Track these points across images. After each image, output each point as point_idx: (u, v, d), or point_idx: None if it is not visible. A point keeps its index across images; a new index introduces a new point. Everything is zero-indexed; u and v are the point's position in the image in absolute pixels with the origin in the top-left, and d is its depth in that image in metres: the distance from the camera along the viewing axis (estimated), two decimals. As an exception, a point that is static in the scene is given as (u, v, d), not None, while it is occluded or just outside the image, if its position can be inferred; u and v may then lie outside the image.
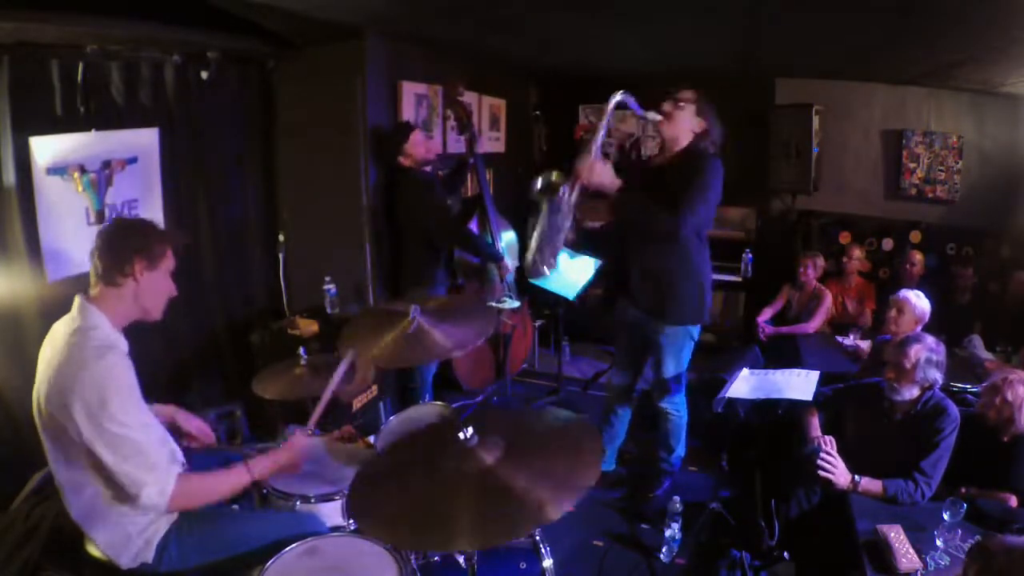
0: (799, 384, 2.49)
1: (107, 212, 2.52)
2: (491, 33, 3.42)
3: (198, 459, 1.77)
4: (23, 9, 2.02)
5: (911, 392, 2.24)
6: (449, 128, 4.01)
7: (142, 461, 1.41)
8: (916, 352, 2.20)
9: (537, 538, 1.83)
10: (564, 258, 3.66)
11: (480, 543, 1.16)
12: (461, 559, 1.63)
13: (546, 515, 1.15)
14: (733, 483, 2.95)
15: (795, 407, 2.56)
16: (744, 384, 2.60)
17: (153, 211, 2.78)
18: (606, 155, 2.45)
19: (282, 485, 1.86)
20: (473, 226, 3.63)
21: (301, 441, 1.74)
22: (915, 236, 4.46)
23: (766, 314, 4.08)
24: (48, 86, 2.33)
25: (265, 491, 1.86)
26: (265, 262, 3.52)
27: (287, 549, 1.54)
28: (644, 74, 4.19)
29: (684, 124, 2.50)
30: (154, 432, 1.51)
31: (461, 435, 1.30)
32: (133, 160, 2.66)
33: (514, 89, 4.99)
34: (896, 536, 1.86)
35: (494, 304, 3.41)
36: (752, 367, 2.90)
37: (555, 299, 3.77)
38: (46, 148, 2.30)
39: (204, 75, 2.95)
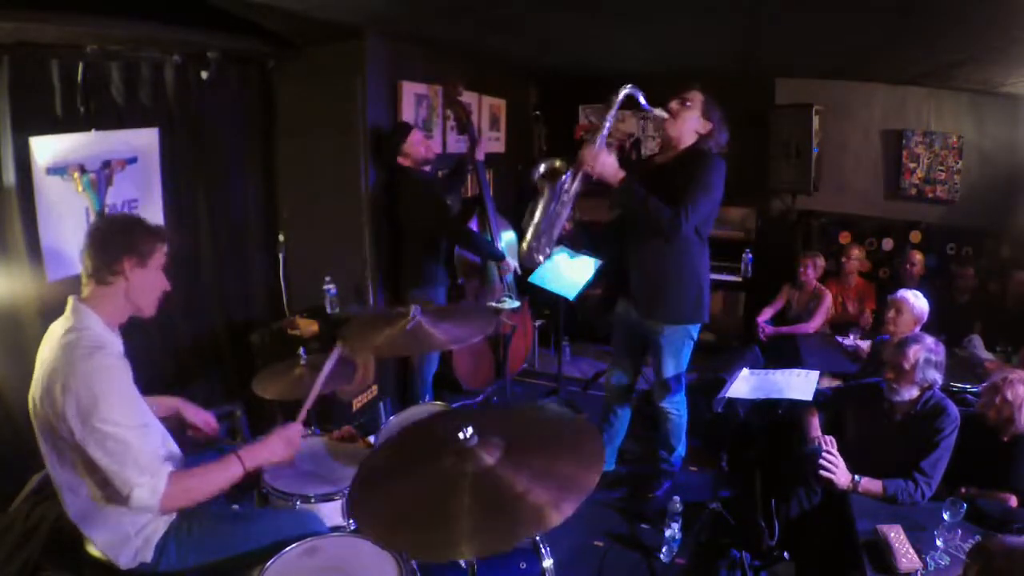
0: (799, 384, 2.49)
1: (107, 212, 2.52)
2: (491, 33, 3.42)
3: (192, 456, 1.76)
4: (23, 9, 2.02)
5: (911, 392, 2.24)
6: (449, 128, 4.02)
7: (133, 461, 1.40)
8: (915, 353, 2.20)
9: (537, 538, 1.83)
10: (564, 258, 3.66)
11: (482, 550, 1.13)
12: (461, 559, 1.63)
13: (548, 520, 1.14)
14: (733, 483, 2.95)
15: (795, 407, 2.56)
16: (744, 384, 2.60)
17: (153, 211, 2.78)
18: (608, 149, 2.44)
19: (282, 485, 1.86)
20: (473, 226, 3.63)
21: (293, 429, 1.72)
22: (915, 236, 4.46)
23: (766, 314, 4.08)
24: (48, 86, 2.33)
25: (265, 491, 1.86)
26: (265, 262, 3.52)
27: (287, 549, 1.54)
28: (644, 74, 4.18)
29: (689, 124, 2.50)
30: (148, 432, 1.49)
31: (461, 435, 1.30)
32: (133, 160, 2.66)
33: (514, 89, 4.99)
34: (896, 536, 1.86)
35: (494, 304, 3.41)
36: (752, 367, 2.90)
37: (555, 299, 3.78)
38: (46, 148, 2.30)
39: (204, 75, 2.95)
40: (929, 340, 2.27)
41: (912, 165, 4.50)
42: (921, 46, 3.20)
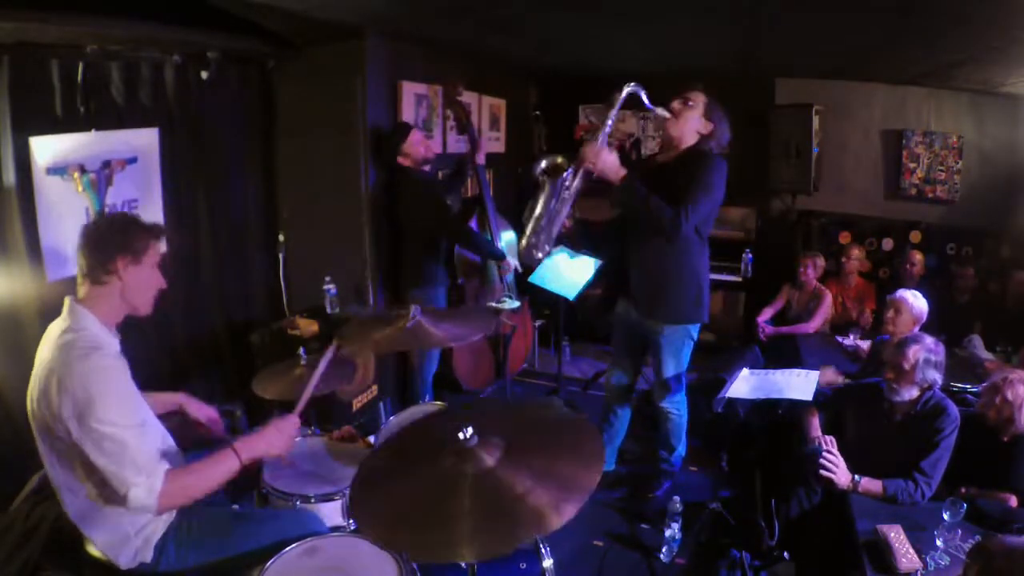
0: (799, 384, 2.48)
1: (107, 212, 2.52)
2: (491, 33, 3.42)
3: (193, 453, 1.76)
4: (23, 9, 2.02)
5: (910, 393, 2.24)
6: (449, 128, 4.02)
7: (130, 461, 1.40)
8: (915, 353, 2.20)
9: (537, 538, 1.83)
10: (564, 258, 3.66)
11: (483, 552, 1.13)
12: (461, 559, 1.63)
13: (549, 522, 1.14)
14: (733, 483, 2.96)
15: (795, 407, 2.56)
16: (744, 384, 2.60)
17: (153, 211, 2.79)
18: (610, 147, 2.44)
19: (282, 485, 1.86)
20: (472, 226, 3.63)
21: (289, 421, 1.70)
22: (915, 236, 4.46)
23: (766, 314, 4.08)
24: (48, 86, 2.33)
25: (265, 491, 1.86)
26: (265, 262, 3.52)
27: (287, 549, 1.54)
28: (644, 74, 4.18)
29: (691, 124, 2.50)
30: (145, 431, 1.49)
31: (461, 435, 1.30)
32: (133, 160, 2.66)
33: (514, 89, 4.99)
34: (896, 536, 1.86)
35: (494, 304, 3.41)
36: (752, 367, 2.89)
37: (555, 299, 3.78)
38: (46, 148, 2.30)
39: (204, 75, 2.95)
40: (929, 340, 2.27)
41: (912, 165, 4.50)
42: (921, 46, 3.20)
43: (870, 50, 3.44)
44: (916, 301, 2.88)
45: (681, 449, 2.94)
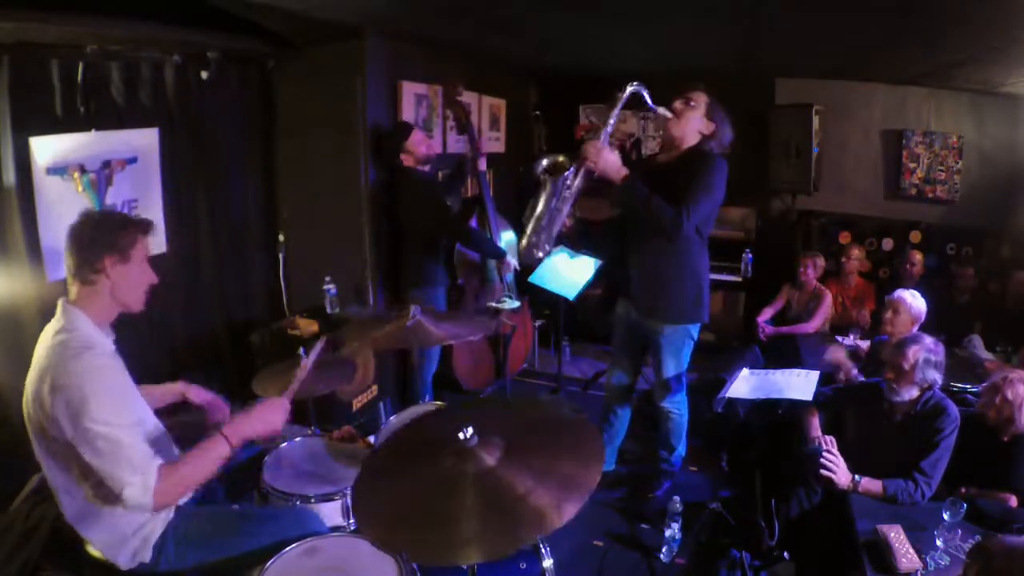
0: (799, 384, 2.49)
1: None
2: (491, 33, 3.42)
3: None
4: (23, 9, 2.02)
5: (910, 393, 2.24)
6: (449, 128, 4.02)
7: (124, 460, 1.39)
8: (914, 353, 2.20)
9: (537, 538, 1.83)
10: (564, 258, 3.67)
11: (487, 554, 1.13)
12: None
13: (550, 522, 1.14)
14: (733, 483, 2.95)
15: (795, 407, 2.56)
16: (744, 384, 2.60)
17: (153, 211, 2.79)
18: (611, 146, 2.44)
19: (282, 485, 1.86)
20: (472, 226, 3.63)
21: (278, 402, 1.69)
22: (915, 236, 4.46)
23: (766, 314, 4.08)
24: (48, 86, 2.33)
25: (265, 491, 1.86)
26: (265, 262, 3.52)
27: (287, 549, 1.54)
28: (644, 74, 4.18)
29: (692, 124, 2.50)
30: (140, 429, 1.48)
31: (461, 435, 1.30)
32: (133, 160, 2.67)
33: (514, 89, 4.99)
34: (896, 536, 1.86)
35: (494, 304, 3.41)
36: (752, 367, 2.90)
37: (555, 299, 3.78)
38: (46, 148, 2.30)
39: (204, 75, 2.95)
40: (928, 340, 2.27)
41: (912, 165, 4.50)
42: (921, 46, 3.20)
43: (870, 50, 3.44)
44: (914, 301, 2.88)
45: (681, 449, 2.94)
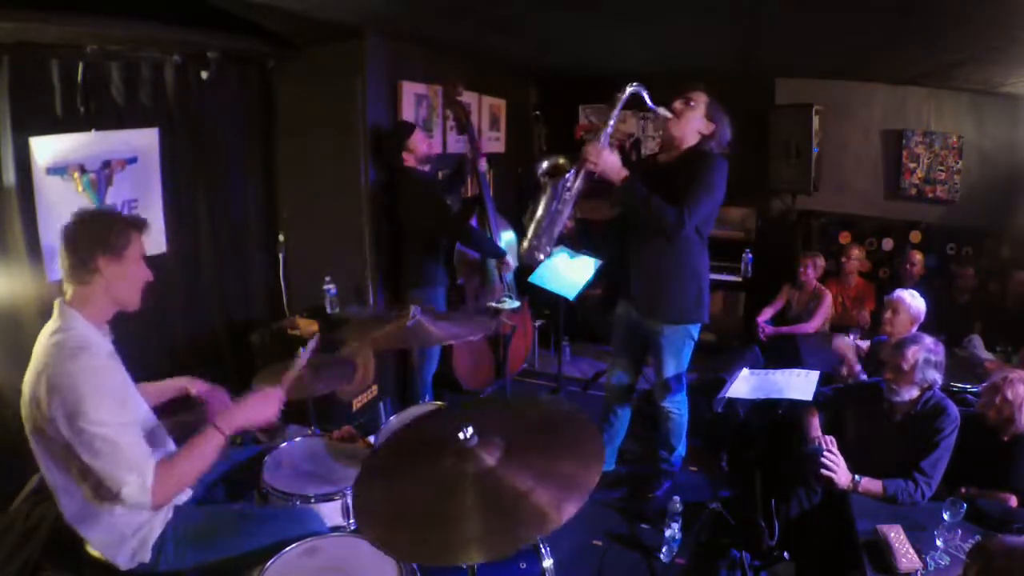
0: (799, 384, 2.49)
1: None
2: (491, 33, 3.42)
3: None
4: (23, 9, 2.03)
5: (910, 393, 2.24)
6: (449, 128, 4.02)
7: (121, 460, 1.39)
8: (914, 353, 2.20)
9: (537, 538, 1.83)
10: (564, 258, 3.67)
11: (487, 554, 1.13)
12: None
13: (551, 521, 1.14)
14: (733, 483, 2.95)
15: (795, 407, 2.56)
16: (744, 384, 2.60)
17: (153, 211, 2.79)
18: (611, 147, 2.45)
19: (282, 485, 1.86)
20: (472, 225, 3.63)
21: (271, 392, 1.68)
22: (915, 236, 4.46)
23: (766, 314, 4.08)
24: (48, 86, 2.33)
25: (265, 491, 1.86)
26: (265, 262, 3.52)
27: (287, 549, 1.54)
28: (644, 74, 4.18)
29: (692, 124, 2.50)
30: (135, 428, 1.48)
31: (461, 435, 1.30)
32: (133, 160, 2.67)
33: (514, 89, 4.99)
34: (896, 536, 1.86)
35: (494, 304, 3.41)
36: (752, 367, 2.90)
37: (555, 299, 3.78)
38: (46, 148, 2.30)
39: (204, 75, 2.96)
40: (928, 340, 2.27)
41: (912, 165, 4.50)
42: (921, 46, 3.20)
43: (870, 50, 3.44)
44: (914, 301, 2.88)
45: (681, 449, 2.94)
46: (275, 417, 1.67)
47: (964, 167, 4.39)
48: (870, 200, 4.67)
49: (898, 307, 2.89)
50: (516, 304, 3.49)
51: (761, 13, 2.76)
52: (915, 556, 1.79)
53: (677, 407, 2.82)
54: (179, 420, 1.88)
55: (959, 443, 2.18)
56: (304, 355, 1.84)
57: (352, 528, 1.81)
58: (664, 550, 2.50)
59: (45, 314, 1.53)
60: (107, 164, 2.55)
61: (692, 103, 2.49)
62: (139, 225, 1.60)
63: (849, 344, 3.07)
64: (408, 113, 3.54)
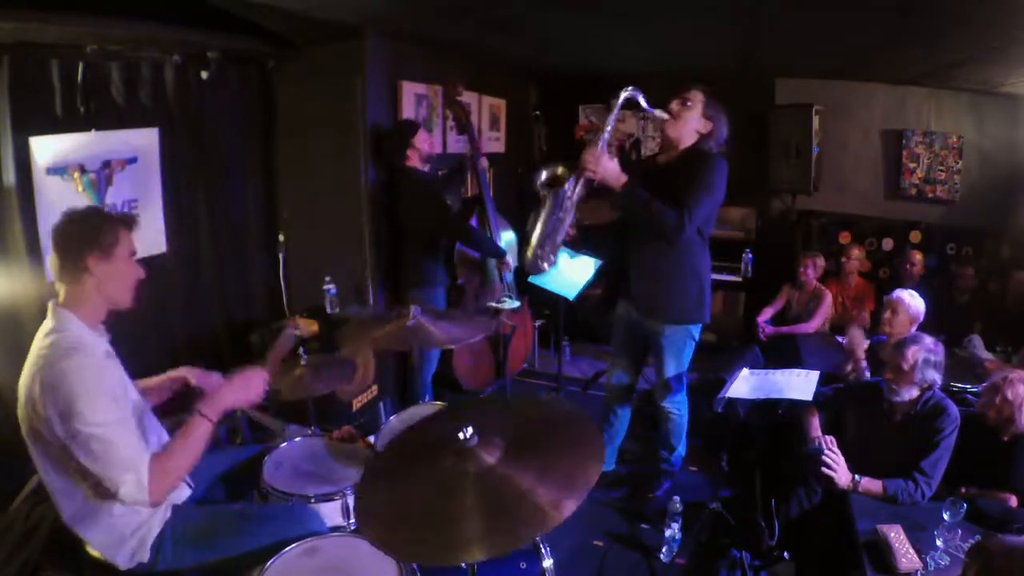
0: (799, 384, 2.49)
1: (112, 212, 2.53)
2: (491, 33, 3.42)
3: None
4: (23, 9, 2.02)
5: (910, 393, 2.24)
6: (449, 128, 4.02)
7: (117, 460, 1.39)
8: (914, 353, 2.20)
9: (537, 538, 1.83)
10: (564, 258, 3.66)
11: (488, 552, 1.13)
12: (461, 559, 1.63)
13: (552, 518, 1.14)
14: (733, 483, 2.95)
15: (795, 407, 2.56)
16: (744, 384, 2.60)
17: (153, 211, 2.79)
18: (609, 152, 2.45)
19: (282, 485, 1.86)
20: (472, 225, 3.63)
21: (254, 372, 1.68)
22: (915, 236, 4.46)
23: (766, 314, 4.08)
24: (48, 86, 2.33)
25: (265, 491, 1.86)
26: (265, 262, 3.52)
27: (287, 549, 1.54)
28: (644, 74, 4.18)
29: (690, 124, 2.49)
30: (131, 426, 1.47)
31: (461, 435, 1.30)
32: (133, 160, 2.67)
33: (514, 89, 4.99)
34: (896, 536, 1.86)
35: (494, 304, 3.41)
36: (752, 367, 2.90)
37: (555, 299, 3.78)
38: (46, 148, 2.30)
39: (204, 75, 2.95)
40: (928, 340, 2.27)
41: (912, 165, 4.50)
42: (921, 46, 3.20)
43: (870, 50, 3.44)
44: (913, 301, 2.88)
45: (681, 449, 2.94)
46: (260, 397, 1.67)
47: (964, 167, 4.39)
48: (870, 200, 4.67)
49: (897, 307, 2.89)
50: (516, 304, 3.49)
51: (761, 13, 2.76)
52: (915, 556, 1.79)
53: (677, 407, 2.82)
54: (178, 420, 1.88)
55: (959, 443, 2.18)
56: (289, 335, 1.82)
57: (352, 528, 1.81)
58: (664, 550, 2.51)
59: (45, 314, 1.53)
60: (107, 164, 2.54)
61: (689, 103, 2.48)
62: (128, 223, 1.59)
63: (861, 339, 3.05)
64: (408, 113, 3.54)
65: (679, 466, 2.99)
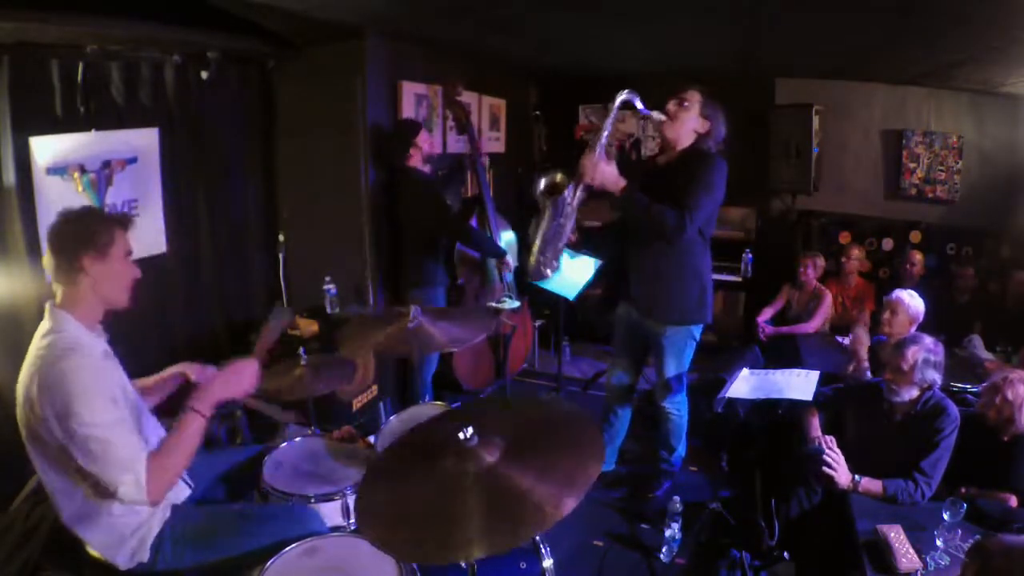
0: (799, 384, 2.49)
1: (107, 212, 2.52)
2: (491, 33, 3.42)
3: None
4: (23, 9, 2.02)
5: (910, 393, 2.24)
6: (449, 128, 4.02)
7: (115, 461, 1.39)
8: (913, 353, 2.20)
9: (537, 538, 1.83)
10: (564, 258, 3.65)
11: (488, 550, 1.13)
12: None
13: (552, 514, 1.15)
14: (733, 483, 2.95)
15: (795, 407, 2.56)
16: (744, 384, 2.60)
17: (153, 211, 2.79)
18: (608, 155, 2.45)
19: (282, 485, 1.86)
20: (472, 225, 3.63)
21: (245, 363, 1.68)
22: (915, 236, 4.46)
23: (766, 314, 4.08)
24: (48, 86, 2.33)
25: (265, 491, 1.86)
26: (265, 262, 3.52)
27: (287, 549, 1.54)
28: (644, 74, 4.18)
29: (688, 124, 2.49)
30: (127, 426, 1.46)
31: (461, 435, 1.30)
32: (133, 160, 2.66)
33: (514, 89, 4.99)
34: (896, 536, 1.86)
35: (494, 304, 3.41)
36: (752, 367, 2.90)
37: (555, 299, 3.78)
38: (46, 148, 2.30)
39: (204, 75, 2.95)
40: (928, 340, 2.27)
41: (912, 165, 4.50)
42: (921, 46, 3.20)
43: (870, 50, 3.44)
44: (912, 301, 2.88)
45: (681, 449, 2.94)
46: (252, 388, 1.66)
47: (964, 167, 4.39)
48: (870, 200, 4.67)
49: (896, 308, 2.89)
50: (516, 304, 3.49)
51: (761, 13, 2.76)
52: (915, 556, 1.79)
53: (677, 408, 2.82)
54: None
55: (959, 443, 2.18)
56: (272, 324, 1.81)
57: (352, 528, 1.81)
58: (664, 550, 2.51)
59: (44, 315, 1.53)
60: (107, 164, 2.54)
61: (686, 104, 2.48)
62: (123, 222, 1.58)
63: (866, 340, 3.05)
64: (408, 113, 3.54)
65: (679, 466, 2.99)
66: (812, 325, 3.89)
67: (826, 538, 2.14)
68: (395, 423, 2.24)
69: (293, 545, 1.55)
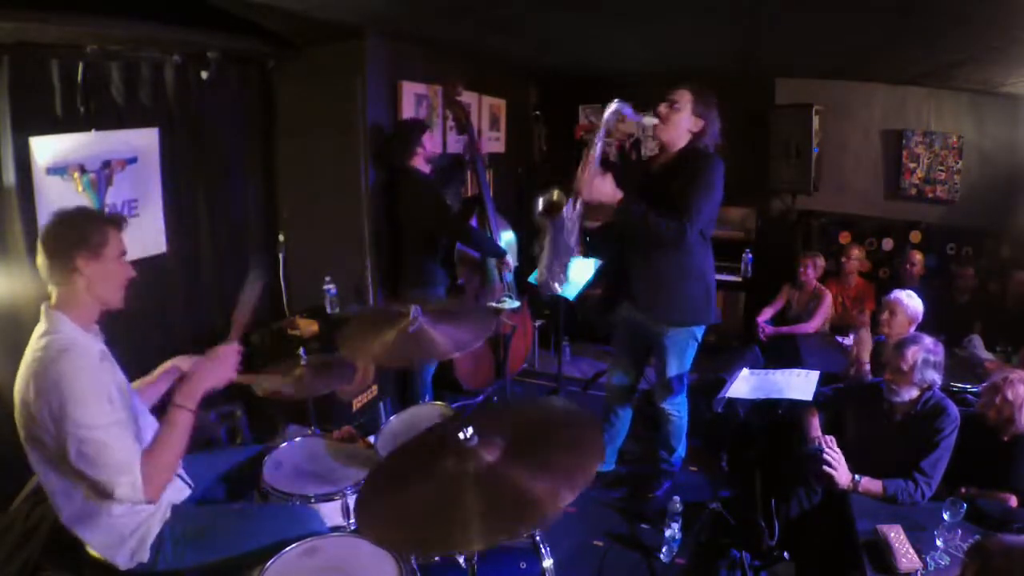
0: (799, 384, 2.49)
1: (107, 212, 2.52)
2: (491, 33, 3.42)
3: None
4: (23, 9, 2.02)
5: (910, 393, 2.24)
6: (449, 128, 4.02)
7: (111, 463, 1.39)
8: (913, 354, 2.21)
9: (537, 538, 1.83)
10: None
11: (486, 542, 1.14)
12: (461, 559, 1.63)
13: (550, 508, 1.15)
14: (733, 483, 2.95)
15: (795, 407, 2.56)
16: (744, 384, 2.60)
17: (153, 211, 2.79)
18: (606, 159, 2.45)
19: (282, 485, 1.86)
20: (472, 225, 3.63)
21: (225, 349, 1.67)
22: (915, 236, 4.47)
23: (766, 314, 4.08)
24: (48, 86, 2.33)
25: (265, 491, 1.86)
26: (265, 262, 3.52)
27: (287, 549, 1.54)
28: (644, 74, 4.18)
29: (681, 126, 2.48)
30: (123, 426, 1.46)
31: (461, 435, 1.30)
32: (133, 160, 2.66)
33: (514, 89, 4.99)
34: (896, 536, 1.86)
35: (494, 304, 3.41)
36: (752, 367, 2.90)
37: (555, 299, 3.78)
38: (46, 148, 2.30)
39: (204, 75, 2.95)
40: (928, 340, 2.27)
41: (912, 165, 4.50)
42: (921, 46, 3.20)
43: (870, 50, 3.44)
44: (911, 301, 2.87)
45: (681, 450, 2.94)
46: (234, 373, 1.66)
47: (964, 167, 4.39)
48: (870, 200, 4.67)
49: (895, 308, 2.89)
50: (516, 304, 3.49)
51: (761, 13, 2.76)
52: (915, 556, 1.79)
53: (677, 409, 2.83)
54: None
55: (959, 443, 2.18)
56: (249, 290, 1.81)
57: (352, 528, 1.81)
58: (664, 550, 2.51)
59: (42, 316, 1.53)
60: (107, 164, 2.54)
61: (676, 105, 2.47)
62: (117, 222, 1.58)
63: (869, 342, 3.05)
64: (408, 113, 3.54)
65: (679, 466, 2.99)
66: (812, 325, 3.89)
67: (826, 538, 2.14)
68: (395, 423, 2.24)
69: (293, 545, 1.55)
